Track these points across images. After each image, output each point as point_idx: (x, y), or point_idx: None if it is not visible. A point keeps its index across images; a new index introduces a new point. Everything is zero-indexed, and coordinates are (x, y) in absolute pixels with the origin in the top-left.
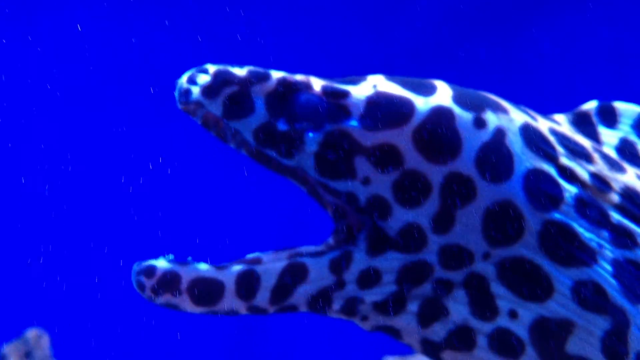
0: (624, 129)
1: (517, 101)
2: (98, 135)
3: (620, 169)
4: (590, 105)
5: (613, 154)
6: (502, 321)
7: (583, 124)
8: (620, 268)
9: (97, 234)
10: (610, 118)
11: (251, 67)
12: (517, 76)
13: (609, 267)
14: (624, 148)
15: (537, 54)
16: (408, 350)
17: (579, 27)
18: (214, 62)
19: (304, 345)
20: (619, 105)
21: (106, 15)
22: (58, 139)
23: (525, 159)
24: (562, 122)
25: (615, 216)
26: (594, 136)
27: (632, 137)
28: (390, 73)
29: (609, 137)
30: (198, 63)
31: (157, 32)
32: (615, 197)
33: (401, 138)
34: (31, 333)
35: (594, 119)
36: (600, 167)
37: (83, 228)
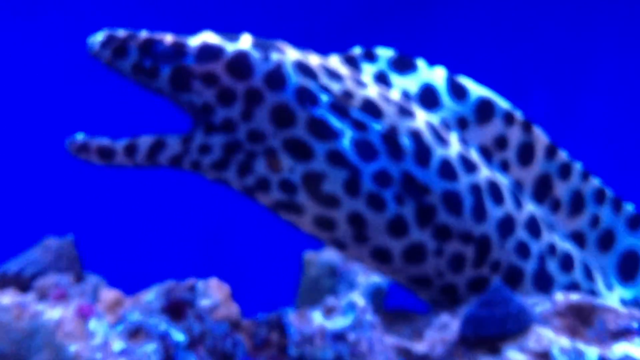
0: (381, 65)
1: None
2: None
3: (364, 86)
4: (357, 50)
5: (370, 80)
6: (285, 174)
7: (350, 62)
8: (355, 142)
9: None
10: (372, 58)
11: (129, 30)
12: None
13: (347, 142)
14: (379, 76)
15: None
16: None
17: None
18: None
19: (249, 246)
20: (379, 50)
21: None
22: None
23: (295, 78)
24: (333, 60)
25: (355, 113)
26: (357, 70)
27: (386, 70)
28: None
29: (370, 70)
30: None
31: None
32: (356, 102)
33: (217, 67)
34: None
35: (358, 59)
36: (349, 84)
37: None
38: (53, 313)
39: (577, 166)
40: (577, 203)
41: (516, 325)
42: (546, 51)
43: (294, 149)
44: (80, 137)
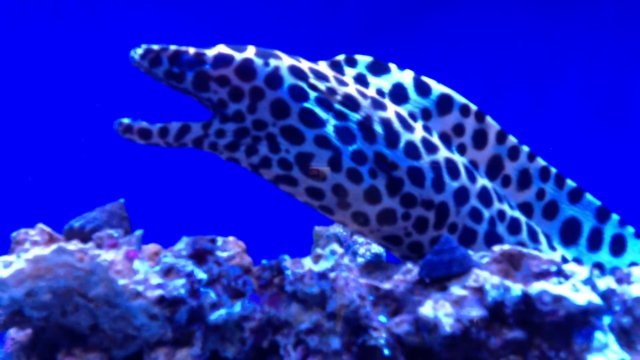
0: (360, 69)
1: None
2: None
3: (346, 85)
4: (340, 57)
5: (350, 80)
6: (282, 154)
7: (335, 66)
8: (338, 129)
9: None
10: (353, 63)
11: (162, 45)
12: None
13: (331, 129)
14: (358, 78)
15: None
16: (331, 222)
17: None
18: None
19: (271, 221)
20: (359, 57)
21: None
22: None
23: (289, 79)
24: (321, 64)
25: (337, 106)
26: (340, 72)
27: (365, 73)
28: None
29: (351, 73)
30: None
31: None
32: (338, 97)
33: (229, 71)
34: None
35: (342, 64)
36: (332, 84)
37: None
38: (107, 256)
39: (525, 148)
40: (524, 179)
41: (460, 268)
42: (523, 57)
43: (289, 134)
44: (126, 120)
